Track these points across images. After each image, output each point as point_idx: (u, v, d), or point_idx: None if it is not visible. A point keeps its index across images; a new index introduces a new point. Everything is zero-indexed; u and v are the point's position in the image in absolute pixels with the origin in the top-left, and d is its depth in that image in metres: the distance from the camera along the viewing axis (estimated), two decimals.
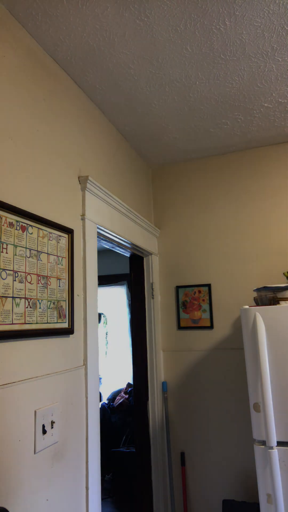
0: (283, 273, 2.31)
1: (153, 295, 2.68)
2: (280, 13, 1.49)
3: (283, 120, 2.29)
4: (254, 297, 2.16)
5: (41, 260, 1.43)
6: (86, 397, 1.64)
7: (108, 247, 2.37)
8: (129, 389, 4.23)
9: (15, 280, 1.28)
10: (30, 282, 1.35)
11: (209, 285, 2.64)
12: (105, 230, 2.00)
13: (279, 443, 1.70)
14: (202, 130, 2.40)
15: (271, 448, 1.66)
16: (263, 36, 1.61)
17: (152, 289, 2.69)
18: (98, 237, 2.05)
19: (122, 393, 4.27)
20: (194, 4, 1.44)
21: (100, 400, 3.10)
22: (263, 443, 1.73)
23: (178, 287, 2.72)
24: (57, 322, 1.49)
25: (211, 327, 2.59)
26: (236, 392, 2.46)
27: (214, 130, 2.41)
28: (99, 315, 4.94)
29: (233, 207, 2.67)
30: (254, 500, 2.29)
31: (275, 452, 1.65)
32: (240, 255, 2.60)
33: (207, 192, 2.76)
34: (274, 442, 1.66)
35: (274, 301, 1.95)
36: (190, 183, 2.83)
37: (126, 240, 2.27)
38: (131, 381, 4.35)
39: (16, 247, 1.30)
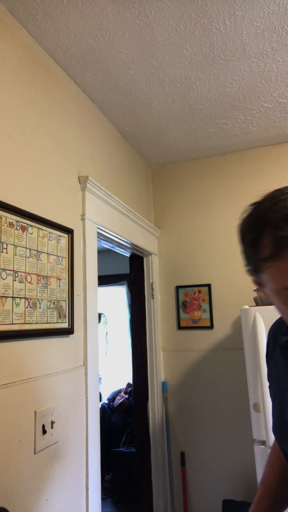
0: None
1: (153, 295, 2.68)
2: (280, 13, 1.49)
3: (283, 120, 2.29)
4: (254, 297, 2.16)
5: (41, 260, 1.43)
6: (86, 397, 1.64)
7: (108, 247, 2.37)
8: (129, 389, 4.23)
9: (15, 280, 1.28)
10: (30, 282, 1.35)
11: (209, 285, 2.64)
12: (105, 230, 2.00)
13: None
14: (202, 130, 2.40)
15: (271, 448, 1.66)
16: (263, 36, 1.61)
17: (152, 289, 2.68)
18: (98, 237, 2.05)
19: (122, 393, 4.27)
20: (194, 4, 1.44)
21: (100, 400, 3.10)
22: (263, 443, 1.73)
23: (178, 287, 2.72)
24: (57, 322, 1.49)
25: (211, 327, 2.59)
26: (236, 392, 2.46)
27: (214, 130, 2.41)
28: (99, 315, 4.94)
29: (233, 207, 2.67)
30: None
31: None
32: (240, 255, 2.59)
33: (207, 192, 2.76)
34: None
35: None
36: (190, 183, 2.83)
37: (126, 240, 2.27)
38: (131, 381, 4.35)
39: (16, 247, 1.30)
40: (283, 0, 1.43)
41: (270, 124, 2.34)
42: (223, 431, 2.46)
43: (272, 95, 2.03)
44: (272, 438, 1.66)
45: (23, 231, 1.35)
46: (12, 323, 1.25)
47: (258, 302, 2.06)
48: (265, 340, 1.77)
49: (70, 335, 1.59)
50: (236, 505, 2.15)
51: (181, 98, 2.04)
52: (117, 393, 4.37)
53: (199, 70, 1.82)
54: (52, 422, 1.40)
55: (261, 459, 1.71)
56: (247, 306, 1.87)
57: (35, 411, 1.32)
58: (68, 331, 1.55)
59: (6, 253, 1.26)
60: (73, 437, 1.53)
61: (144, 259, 2.73)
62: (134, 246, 2.44)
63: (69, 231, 1.63)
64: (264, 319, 1.79)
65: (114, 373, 4.84)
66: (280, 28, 1.56)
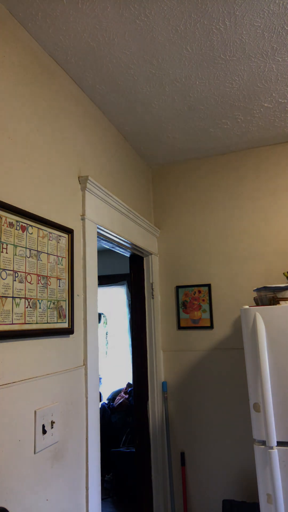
0: (283, 273, 2.31)
1: (153, 295, 2.68)
2: (280, 13, 1.49)
3: (283, 120, 2.29)
4: (254, 297, 2.16)
5: (41, 260, 1.43)
6: (86, 397, 1.64)
7: (108, 247, 2.37)
8: (129, 389, 4.23)
9: (15, 280, 1.28)
10: (30, 282, 1.35)
11: (209, 285, 2.64)
12: (105, 230, 2.00)
13: (279, 443, 1.70)
14: (202, 130, 2.40)
15: (271, 448, 1.66)
16: (263, 36, 1.61)
17: (152, 289, 2.68)
18: (98, 237, 2.05)
19: (122, 393, 4.27)
20: (194, 4, 1.44)
21: (100, 400, 3.10)
22: (263, 443, 1.73)
23: (178, 287, 2.72)
24: (57, 322, 1.49)
25: (211, 327, 2.59)
26: (236, 392, 2.46)
27: (214, 130, 2.41)
28: (99, 315, 4.94)
29: (233, 207, 2.67)
30: (254, 500, 2.29)
31: (275, 452, 1.65)
32: (240, 255, 2.60)
33: (207, 192, 2.77)
34: (274, 442, 1.66)
35: (274, 301, 1.95)
36: (190, 183, 2.83)
37: (126, 240, 2.27)
38: (131, 381, 4.35)
39: (16, 247, 1.30)
40: (283, 0, 1.43)
41: (270, 124, 2.34)
42: (223, 431, 2.46)
43: (272, 95, 2.03)
44: (272, 438, 1.65)
45: (23, 231, 1.35)
46: (12, 323, 1.25)
47: (258, 302, 2.06)
48: (265, 340, 1.77)
49: (70, 335, 1.59)
50: (236, 505, 2.15)
51: (181, 98, 2.04)
52: (117, 393, 4.38)
53: (199, 70, 1.82)
54: (52, 422, 1.40)
55: (261, 459, 1.71)
56: (247, 306, 1.87)
57: (35, 411, 1.32)
58: (68, 331, 1.55)
59: (6, 253, 1.26)
60: (73, 437, 1.53)
61: (144, 259, 2.73)
62: (134, 246, 2.44)
63: (69, 231, 1.63)
64: (264, 319, 1.80)
65: (114, 373, 4.84)
66: (280, 28, 1.56)
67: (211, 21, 1.52)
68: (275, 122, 2.32)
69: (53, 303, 1.48)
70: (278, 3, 1.44)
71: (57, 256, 1.54)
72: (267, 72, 1.84)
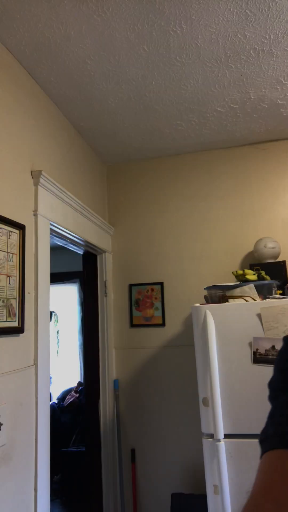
0: (232, 272, 2.40)
1: (106, 293, 2.67)
2: (234, 21, 1.54)
3: (234, 124, 2.38)
4: (204, 295, 2.23)
5: None
6: (36, 397, 1.60)
7: (61, 244, 2.33)
8: (80, 388, 4.19)
9: None
10: None
11: (161, 284, 2.67)
12: (58, 226, 1.96)
13: (226, 436, 1.76)
14: (157, 130, 2.42)
15: (219, 440, 1.72)
16: (218, 42, 1.66)
17: (105, 287, 2.67)
18: (50, 233, 2.00)
19: (73, 392, 4.21)
20: (151, 5, 1.45)
21: (50, 400, 3.04)
22: (211, 436, 1.79)
23: (131, 285, 2.73)
24: (6, 321, 1.44)
25: (163, 324, 2.63)
26: (186, 388, 2.52)
27: (169, 131, 2.44)
28: (51, 313, 4.83)
29: (186, 207, 2.73)
30: (202, 492, 2.36)
31: (222, 444, 1.72)
32: (192, 255, 2.67)
33: (161, 191, 2.80)
34: (221, 435, 1.72)
35: (224, 299, 2.02)
36: (145, 182, 2.85)
37: (79, 238, 2.24)
38: (81, 380, 4.31)
39: None
40: (237, 9, 1.48)
41: (223, 128, 2.41)
42: (173, 427, 2.52)
43: (225, 100, 2.10)
44: (219, 431, 1.71)
45: None
46: None
47: (209, 300, 2.13)
48: (214, 336, 1.83)
49: (20, 334, 1.54)
50: (184, 498, 2.21)
51: (137, 97, 2.05)
52: (67, 392, 4.31)
53: (156, 70, 1.83)
54: (0, 424, 1.35)
55: (209, 451, 1.77)
56: (198, 304, 1.92)
57: None
58: (18, 330, 1.51)
59: None
60: (22, 439, 1.49)
61: (98, 257, 2.71)
62: (87, 244, 2.41)
63: (20, 227, 1.58)
64: (214, 316, 1.85)
65: (65, 372, 4.76)
66: (234, 35, 1.62)
67: (168, 23, 1.54)
68: (227, 127, 2.40)
69: (2, 301, 1.43)
70: (232, 11, 1.49)
71: (7, 252, 1.48)
72: (221, 77, 1.90)
